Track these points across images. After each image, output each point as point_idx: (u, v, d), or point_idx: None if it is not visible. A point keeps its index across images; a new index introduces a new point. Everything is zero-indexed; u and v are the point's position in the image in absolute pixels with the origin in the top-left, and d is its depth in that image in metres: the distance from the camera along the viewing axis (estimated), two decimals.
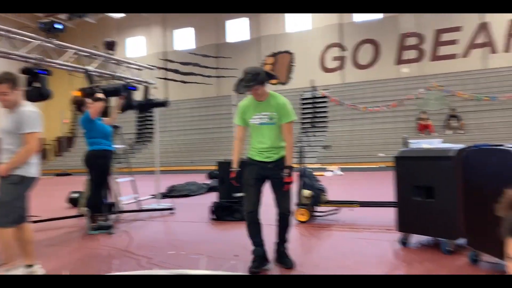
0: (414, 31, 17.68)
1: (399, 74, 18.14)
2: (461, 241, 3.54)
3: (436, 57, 17.47)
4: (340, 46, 19.11)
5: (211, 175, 11.90)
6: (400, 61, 18.12)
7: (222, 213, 5.60)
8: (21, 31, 5.01)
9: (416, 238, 4.00)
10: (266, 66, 20.45)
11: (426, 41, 17.63)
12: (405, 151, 3.98)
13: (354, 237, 4.28)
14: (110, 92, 5.52)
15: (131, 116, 21.04)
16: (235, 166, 3.34)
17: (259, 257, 3.16)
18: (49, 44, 5.32)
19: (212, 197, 6.83)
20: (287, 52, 20.08)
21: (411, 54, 17.89)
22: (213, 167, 10.23)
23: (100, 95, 4.91)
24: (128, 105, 6.20)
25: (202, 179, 11.27)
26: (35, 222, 5.51)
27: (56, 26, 5.16)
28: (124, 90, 5.83)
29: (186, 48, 22.07)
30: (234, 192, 5.74)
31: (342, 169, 12.84)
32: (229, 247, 4.01)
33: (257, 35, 20.62)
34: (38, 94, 4.83)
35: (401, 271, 3.11)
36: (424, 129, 15.34)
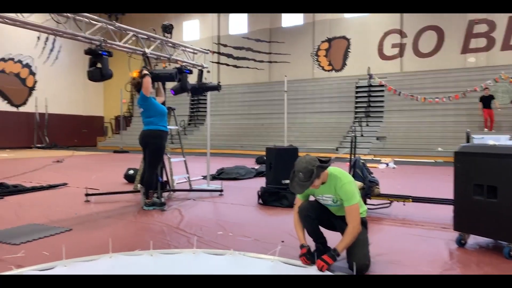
0: (484, 17, 16.38)
1: (464, 64, 16.97)
2: None
3: (507, 46, 16.11)
4: (400, 33, 18.20)
5: (259, 160, 11.98)
6: (466, 50, 16.93)
7: (269, 198, 5.63)
8: (85, 14, 5.25)
9: (474, 239, 3.76)
10: (320, 52, 20.01)
11: (497, 28, 16.28)
12: (467, 146, 3.72)
13: (406, 232, 4.11)
14: (164, 77, 5.67)
15: (185, 98, 21.69)
16: (302, 242, 3.03)
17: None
18: (110, 27, 5.54)
19: (260, 182, 6.88)
20: (343, 37, 19.48)
21: (479, 42, 16.64)
22: (262, 153, 10.30)
23: (145, 71, 5.07)
24: (181, 89, 6.35)
25: (250, 163, 11.38)
26: (94, 194, 5.89)
27: None
28: (178, 74, 5.95)
29: (239, 33, 22.12)
30: (282, 178, 5.73)
31: (396, 162, 12.35)
32: (275, 232, 4.02)
33: (311, 19, 20.16)
34: (100, 74, 5.07)
35: (456, 272, 2.94)
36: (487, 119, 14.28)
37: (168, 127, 5.68)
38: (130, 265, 2.89)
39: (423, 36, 17.74)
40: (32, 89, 21.73)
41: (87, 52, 5.03)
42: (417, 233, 4.05)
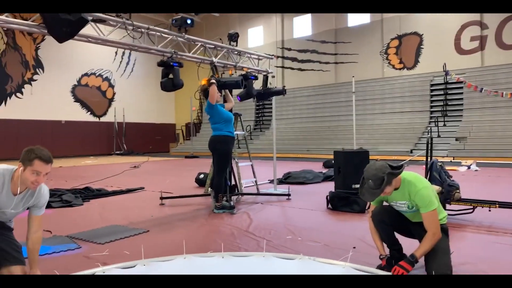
0: None
1: None
2: None
3: None
4: (480, 24, 16.78)
5: (327, 164, 11.75)
6: None
7: (339, 203, 5.47)
8: (157, 28, 5.57)
9: None
10: (390, 50, 19.18)
11: None
12: None
13: (492, 241, 3.75)
14: (230, 85, 5.81)
15: (251, 104, 22.06)
16: (381, 252, 2.91)
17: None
18: (180, 39, 5.82)
19: (328, 186, 6.73)
20: (414, 33, 18.47)
21: None
22: (329, 156, 10.07)
23: (212, 80, 5.22)
24: (247, 94, 6.45)
25: (317, 167, 11.20)
26: (168, 198, 6.19)
27: (187, 21, 5.60)
28: (244, 81, 6.06)
29: (303, 35, 22.00)
30: (352, 182, 5.56)
31: (479, 164, 11.35)
32: (346, 238, 3.89)
33: (379, 17, 19.40)
34: (171, 85, 5.34)
35: None
36: None
37: (235, 132, 5.80)
38: (203, 266, 2.98)
39: (507, 27, 16.19)
40: (111, 100, 23.57)
41: (160, 64, 5.32)
42: (505, 242, 3.67)
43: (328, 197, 5.59)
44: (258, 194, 6.60)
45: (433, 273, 2.55)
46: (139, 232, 4.26)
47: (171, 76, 5.32)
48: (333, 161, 6.53)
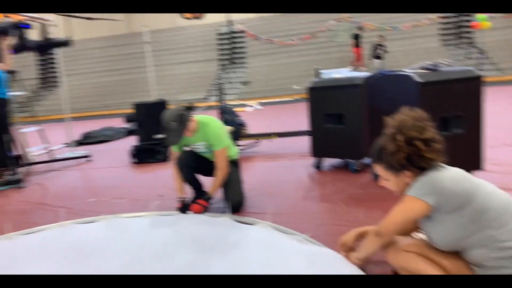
0: None
1: None
2: (366, 160, 3.94)
3: None
4: None
5: (128, 119, 11.38)
6: None
7: (143, 155, 5.50)
8: None
9: (328, 162, 4.36)
10: None
11: None
12: (316, 81, 4.15)
13: (274, 165, 4.53)
14: None
15: (30, 59, 18.82)
16: (179, 195, 3.05)
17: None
18: None
19: (132, 141, 6.62)
20: None
21: None
22: (130, 110, 9.78)
23: None
24: (22, 46, 5.48)
25: (119, 123, 10.76)
26: None
27: None
28: (14, 28, 5.11)
29: None
30: (154, 133, 5.64)
31: (262, 104, 13.13)
32: (153, 188, 4.00)
33: None
34: None
35: (315, 192, 3.40)
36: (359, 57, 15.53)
37: (11, 93, 4.93)
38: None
39: None
40: None
41: None
42: (283, 165, 4.50)
43: (132, 151, 5.54)
44: (52, 161, 5.94)
45: (229, 203, 2.93)
46: None
47: None
48: (134, 115, 6.40)
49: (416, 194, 1.52)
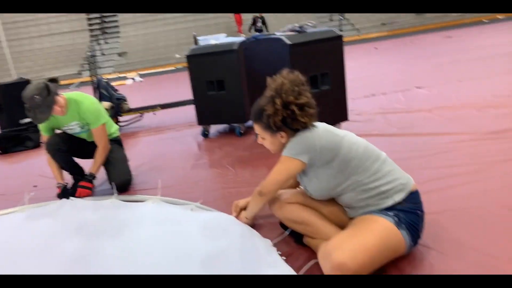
0: None
1: None
2: (250, 123, 4.11)
3: None
4: None
5: None
6: None
7: (9, 144, 4.86)
8: None
9: (214, 128, 4.43)
10: None
11: None
12: (195, 48, 4.10)
13: (161, 138, 4.42)
14: None
15: None
16: (58, 180, 2.83)
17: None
18: None
19: None
20: None
21: None
22: None
23: None
24: None
25: None
26: None
27: None
28: None
29: None
30: (20, 118, 5.01)
31: (142, 75, 12.50)
32: (24, 179, 3.59)
33: None
34: None
35: (204, 159, 3.45)
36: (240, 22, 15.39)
37: None
38: None
39: None
40: None
41: None
42: (170, 137, 4.43)
43: None
44: None
45: (114, 183, 2.79)
46: None
47: None
48: None
49: (291, 154, 1.65)
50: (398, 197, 1.59)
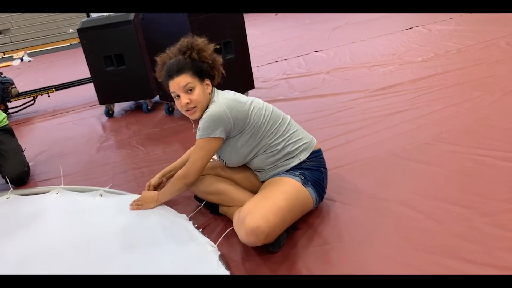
0: None
1: None
2: (156, 98, 3.97)
3: None
4: None
5: None
6: None
7: None
8: None
9: (118, 106, 4.20)
10: None
11: None
12: (86, 21, 3.76)
13: (60, 123, 4.06)
14: None
15: None
16: None
17: None
18: None
19: None
20: None
21: None
22: None
23: None
24: None
25: None
26: None
27: None
28: None
29: None
30: None
31: (31, 54, 11.18)
32: None
33: None
34: None
35: (111, 140, 3.26)
36: None
37: None
38: None
39: None
40: None
41: None
42: (70, 120, 4.09)
43: None
44: None
45: (8, 177, 2.52)
46: None
47: None
48: None
49: (208, 134, 1.62)
50: (303, 156, 1.70)
